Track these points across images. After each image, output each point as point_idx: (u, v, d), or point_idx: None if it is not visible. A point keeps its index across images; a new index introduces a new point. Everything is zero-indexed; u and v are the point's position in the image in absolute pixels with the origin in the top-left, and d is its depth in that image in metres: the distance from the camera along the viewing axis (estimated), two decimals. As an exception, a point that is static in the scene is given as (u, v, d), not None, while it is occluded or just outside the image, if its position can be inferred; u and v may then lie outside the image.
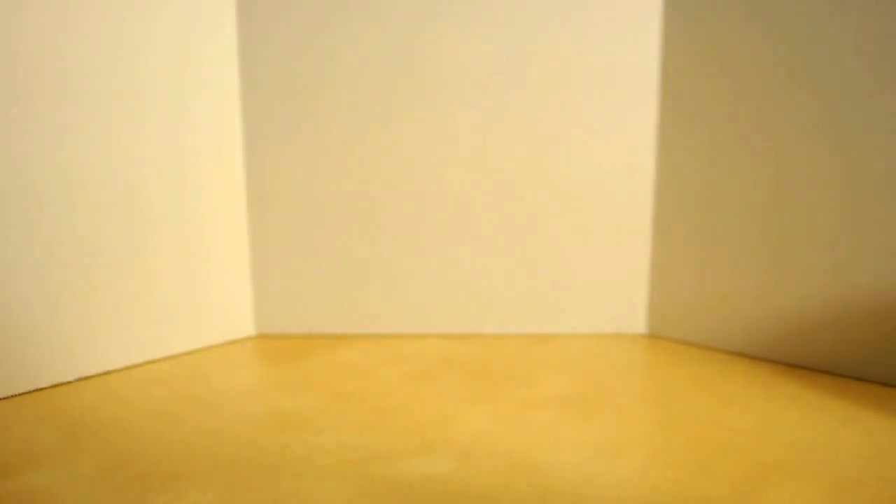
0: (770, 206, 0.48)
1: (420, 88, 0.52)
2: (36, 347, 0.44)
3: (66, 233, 0.44)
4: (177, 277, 0.50)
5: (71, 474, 0.33)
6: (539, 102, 0.52)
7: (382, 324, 0.55)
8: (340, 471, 0.33)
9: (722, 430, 0.38)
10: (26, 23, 0.42)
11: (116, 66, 0.45)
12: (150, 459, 0.35)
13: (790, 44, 0.46)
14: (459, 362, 0.49)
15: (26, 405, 0.42)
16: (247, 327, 0.55)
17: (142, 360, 0.49)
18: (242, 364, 0.49)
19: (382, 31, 0.51)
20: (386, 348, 0.52)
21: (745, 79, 0.48)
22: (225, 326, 0.53)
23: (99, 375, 0.47)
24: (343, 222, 0.54)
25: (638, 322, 0.55)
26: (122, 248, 0.47)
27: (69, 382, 0.45)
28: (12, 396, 0.43)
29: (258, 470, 0.34)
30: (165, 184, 0.49)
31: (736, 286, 0.50)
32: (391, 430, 0.38)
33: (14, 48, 0.41)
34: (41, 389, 0.44)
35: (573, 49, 0.51)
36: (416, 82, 0.52)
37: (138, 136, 0.47)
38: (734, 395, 0.43)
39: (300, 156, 0.53)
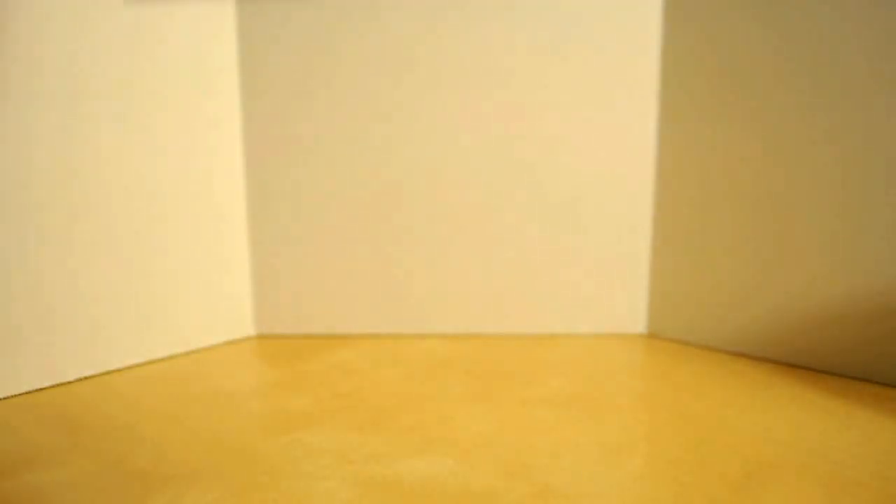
0: (770, 206, 0.48)
1: (420, 88, 0.52)
2: (36, 347, 0.44)
3: (65, 233, 0.44)
4: (177, 277, 0.50)
5: (71, 474, 0.33)
6: (538, 103, 0.52)
7: (382, 324, 0.55)
8: (340, 471, 0.33)
9: (722, 430, 0.38)
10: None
11: (116, 67, 0.45)
12: (150, 459, 0.35)
13: (791, 43, 0.46)
14: (459, 362, 0.49)
15: (26, 405, 0.42)
16: (247, 327, 0.55)
17: (142, 360, 0.49)
18: (242, 364, 0.49)
19: (383, 29, 0.51)
20: (386, 348, 0.52)
21: (745, 78, 0.48)
22: (225, 326, 0.53)
23: (99, 375, 0.47)
24: (343, 222, 0.53)
25: (638, 322, 0.55)
26: (121, 248, 0.47)
27: (69, 382, 0.45)
28: (12, 396, 0.43)
29: (258, 470, 0.34)
30: (165, 183, 0.49)
31: (736, 286, 0.50)
32: (391, 430, 0.38)
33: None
34: (41, 389, 0.44)
35: (573, 48, 0.51)
36: (417, 82, 0.52)
37: (138, 137, 0.47)
38: (734, 394, 0.43)
39: (300, 155, 0.53)
